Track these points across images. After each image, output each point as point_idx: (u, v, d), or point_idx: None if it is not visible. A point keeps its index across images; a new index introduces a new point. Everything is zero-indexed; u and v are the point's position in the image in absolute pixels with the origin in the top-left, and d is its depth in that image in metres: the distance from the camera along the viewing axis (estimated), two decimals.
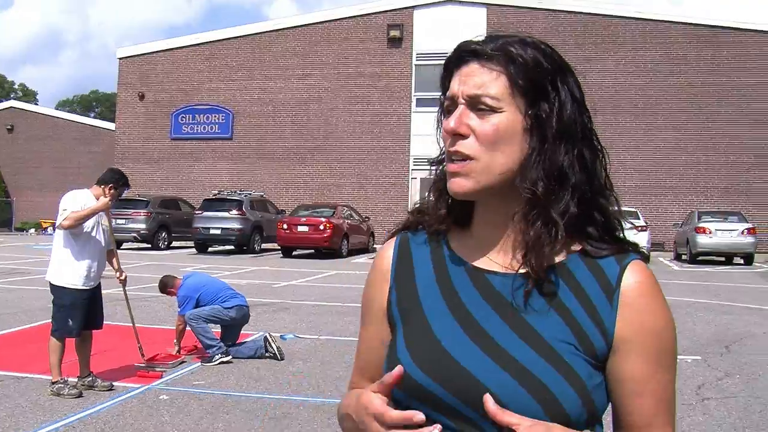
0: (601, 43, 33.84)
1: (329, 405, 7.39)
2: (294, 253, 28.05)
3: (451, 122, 1.49)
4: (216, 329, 9.59)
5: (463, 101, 1.51)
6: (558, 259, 1.52)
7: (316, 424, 6.74)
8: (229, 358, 9.23)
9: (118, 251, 8.89)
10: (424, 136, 34.41)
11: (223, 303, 9.53)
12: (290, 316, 12.97)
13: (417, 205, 1.74)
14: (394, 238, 1.74)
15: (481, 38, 1.57)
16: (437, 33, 34.78)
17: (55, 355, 7.65)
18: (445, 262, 1.62)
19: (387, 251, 1.71)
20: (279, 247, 28.40)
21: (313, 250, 27.88)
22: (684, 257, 28.03)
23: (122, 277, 8.63)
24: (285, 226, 27.14)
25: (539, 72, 1.51)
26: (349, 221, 28.88)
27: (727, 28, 33.13)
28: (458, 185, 1.50)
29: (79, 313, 7.67)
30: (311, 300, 15.24)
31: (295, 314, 13.27)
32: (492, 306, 1.52)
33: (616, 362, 1.48)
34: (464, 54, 1.55)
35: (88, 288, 7.75)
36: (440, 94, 1.63)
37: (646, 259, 1.54)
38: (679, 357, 1.74)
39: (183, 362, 9.22)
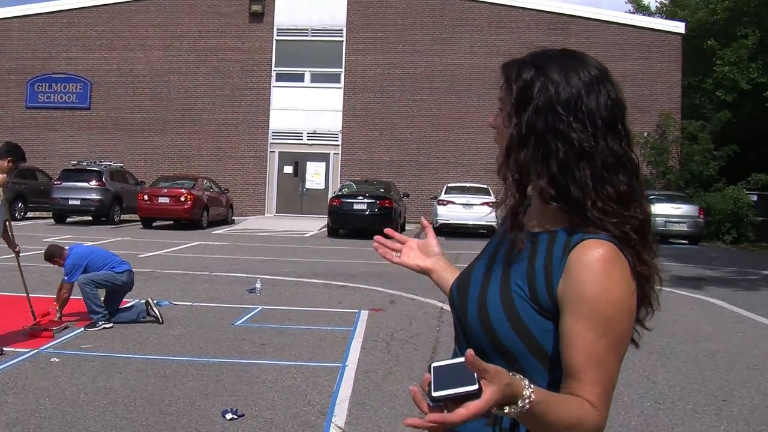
0: (457, 25, 34.97)
1: (213, 364, 8.01)
2: (154, 224, 28.14)
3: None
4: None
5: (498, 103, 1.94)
6: (557, 227, 1.84)
7: (206, 380, 7.34)
8: (111, 325, 9.68)
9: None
10: (284, 110, 34.99)
11: (113, 269, 9.97)
12: (161, 285, 13.38)
13: None
14: None
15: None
16: (298, 9, 35.36)
17: None
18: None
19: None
20: (138, 218, 28.43)
21: (172, 222, 28.06)
22: None
23: (17, 249, 9.08)
24: (146, 198, 27.22)
25: (519, 82, 1.85)
26: (209, 193, 29.17)
27: (576, 17, 34.68)
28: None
29: None
30: (179, 269, 15.68)
31: (166, 283, 13.70)
32: (506, 253, 1.91)
33: (559, 317, 1.74)
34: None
35: None
36: None
37: (621, 239, 1.75)
38: None
39: (66, 327, 9.61)
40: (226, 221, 30.79)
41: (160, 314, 9.99)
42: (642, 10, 48.95)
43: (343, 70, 35.53)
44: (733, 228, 30.80)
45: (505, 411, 1.53)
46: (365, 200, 26.46)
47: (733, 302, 13.46)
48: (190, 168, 34.37)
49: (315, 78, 35.92)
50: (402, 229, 28.51)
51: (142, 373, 7.57)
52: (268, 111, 35.64)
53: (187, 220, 27.50)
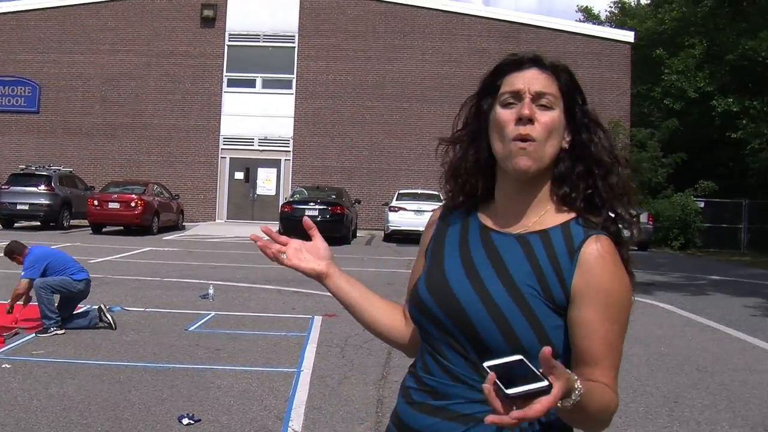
0: (409, 32, 35.06)
1: (168, 369, 7.97)
2: (104, 229, 27.85)
3: (525, 110, 1.88)
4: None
5: (529, 96, 1.90)
6: (545, 227, 1.94)
7: (161, 385, 7.30)
8: (62, 331, 9.56)
9: None
10: (235, 116, 34.81)
11: (72, 275, 9.85)
12: (113, 290, 13.25)
13: (449, 191, 2.16)
14: (439, 208, 2.21)
15: (523, 53, 2.03)
16: (250, 14, 35.21)
17: None
18: (469, 225, 2.06)
19: (435, 216, 2.20)
20: (88, 224, 28.13)
21: (122, 227, 27.82)
22: None
23: None
24: (96, 203, 26.93)
25: (572, 86, 1.97)
26: (159, 199, 28.90)
27: (527, 25, 34.86)
28: (524, 162, 1.88)
29: None
30: (130, 275, 15.55)
31: (118, 288, 13.57)
32: (487, 255, 1.95)
33: (572, 310, 1.85)
34: (525, 61, 1.97)
35: None
36: (481, 88, 2.07)
37: (614, 236, 1.91)
38: None
39: (17, 333, 9.48)
40: (176, 227, 30.57)
41: (113, 320, 9.90)
42: (592, 18, 49.62)
43: (294, 76, 35.43)
44: (681, 234, 31.36)
45: (559, 405, 1.60)
46: (317, 206, 26.46)
47: (682, 306, 13.71)
48: (140, 173, 33.96)
49: (267, 84, 35.78)
50: (354, 236, 28.66)
51: (96, 379, 7.50)
52: (219, 116, 35.40)
53: (137, 226, 27.26)
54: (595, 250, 1.85)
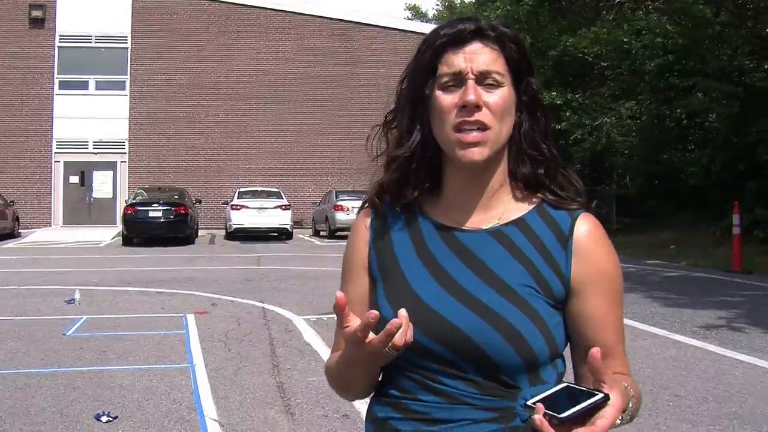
0: (243, 32, 35.26)
1: (63, 373, 8.06)
2: None
3: (471, 95, 1.60)
4: None
5: (473, 77, 1.62)
6: (518, 214, 1.71)
7: (62, 389, 7.41)
8: None
9: None
10: (68, 118, 34.11)
11: None
12: None
13: (378, 185, 1.84)
14: (368, 208, 1.85)
15: (465, 19, 1.69)
16: (81, 15, 34.53)
17: None
18: (419, 225, 1.75)
19: (365, 219, 1.84)
20: None
21: None
22: (323, 233, 30.33)
23: None
24: None
25: (522, 56, 1.69)
26: None
27: (359, 23, 35.70)
28: (479, 154, 1.62)
29: None
30: None
31: None
32: (461, 260, 1.67)
33: (578, 303, 1.65)
34: (465, 35, 1.65)
35: None
36: (417, 67, 1.74)
37: (592, 211, 1.72)
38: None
39: None
40: (12, 235, 29.74)
41: None
42: (420, 17, 50.98)
43: (128, 77, 35.02)
44: None
45: (618, 421, 1.44)
46: (161, 207, 26.49)
47: None
48: None
49: (100, 85, 35.20)
50: (196, 235, 28.75)
51: None
52: (52, 119, 34.59)
53: None
54: (588, 232, 1.68)
